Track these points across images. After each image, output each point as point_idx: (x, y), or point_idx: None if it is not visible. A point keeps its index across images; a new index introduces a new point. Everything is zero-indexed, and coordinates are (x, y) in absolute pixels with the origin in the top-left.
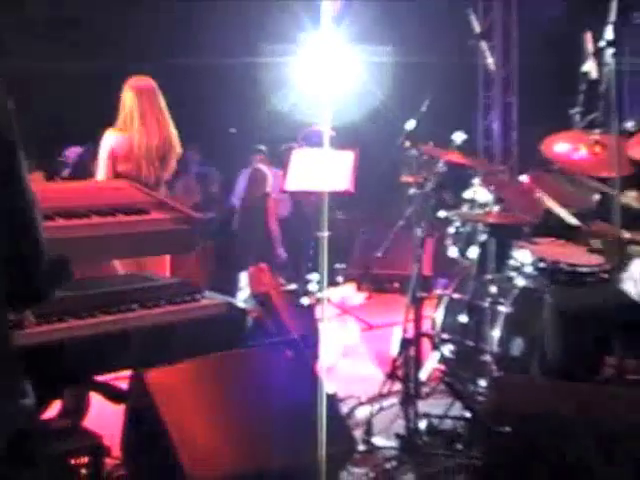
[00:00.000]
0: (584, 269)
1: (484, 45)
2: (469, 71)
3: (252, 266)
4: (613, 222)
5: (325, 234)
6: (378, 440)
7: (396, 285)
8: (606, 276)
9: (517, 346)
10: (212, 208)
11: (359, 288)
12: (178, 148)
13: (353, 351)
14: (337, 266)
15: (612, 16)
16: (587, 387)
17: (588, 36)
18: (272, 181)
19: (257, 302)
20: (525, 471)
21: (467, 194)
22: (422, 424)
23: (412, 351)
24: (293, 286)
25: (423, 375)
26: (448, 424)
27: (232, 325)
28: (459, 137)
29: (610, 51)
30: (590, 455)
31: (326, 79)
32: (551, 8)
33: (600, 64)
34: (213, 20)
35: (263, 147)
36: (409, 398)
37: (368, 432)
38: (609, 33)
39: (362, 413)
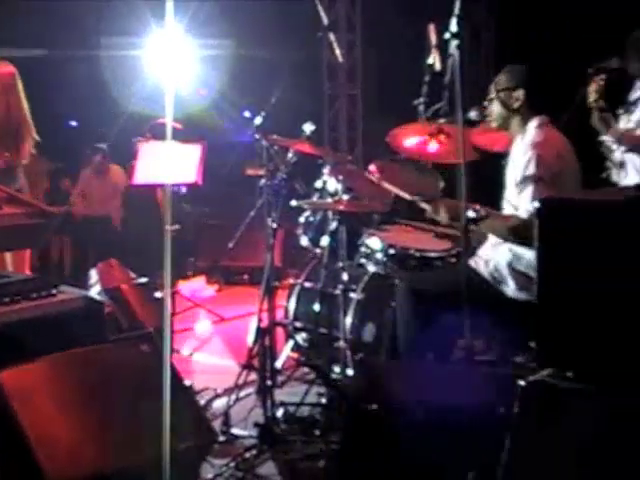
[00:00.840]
0: (432, 254)
1: (332, 37)
2: (315, 63)
3: (101, 262)
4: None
5: (172, 227)
6: (237, 430)
7: (246, 277)
8: (454, 260)
9: (369, 331)
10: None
11: (209, 281)
12: (33, 133)
13: (207, 344)
14: (187, 259)
15: (456, 9)
16: (441, 369)
17: (432, 28)
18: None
19: (108, 297)
20: (385, 454)
21: (317, 184)
22: (279, 412)
23: (267, 341)
24: (144, 279)
25: (278, 364)
26: (305, 411)
27: (90, 319)
28: (308, 128)
29: (454, 43)
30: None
31: (170, 73)
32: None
33: (445, 55)
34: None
35: (103, 145)
36: (265, 387)
37: (226, 423)
38: (453, 25)
39: (219, 404)
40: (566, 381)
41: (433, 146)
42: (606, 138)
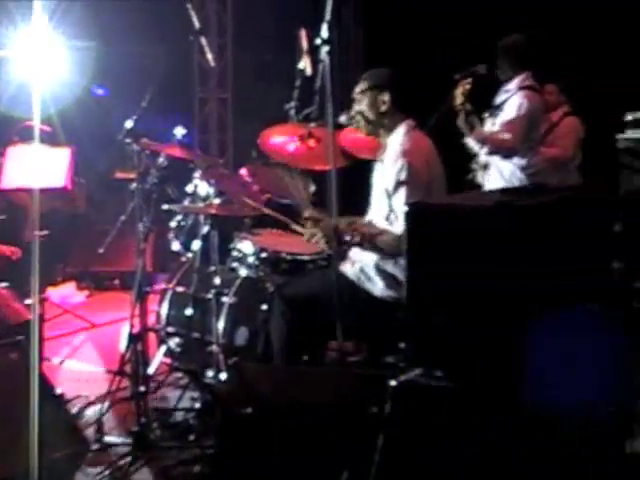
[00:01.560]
0: (304, 257)
1: (203, 41)
2: (186, 66)
3: None
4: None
5: (40, 233)
6: (111, 438)
7: (117, 282)
8: (325, 263)
9: (242, 335)
10: None
11: (79, 287)
12: None
13: (78, 351)
14: (55, 265)
15: (327, 15)
16: (314, 371)
17: (303, 33)
18: None
19: None
20: (259, 456)
21: (189, 188)
22: (153, 418)
23: (139, 346)
24: (4, 284)
25: (151, 370)
26: (179, 416)
27: None
28: (179, 132)
29: (325, 48)
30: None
31: (37, 74)
32: (268, 4)
33: (315, 61)
34: None
35: None
36: (138, 394)
37: (100, 431)
38: (324, 31)
39: (92, 412)
40: (435, 380)
41: (299, 147)
42: (469, 140)
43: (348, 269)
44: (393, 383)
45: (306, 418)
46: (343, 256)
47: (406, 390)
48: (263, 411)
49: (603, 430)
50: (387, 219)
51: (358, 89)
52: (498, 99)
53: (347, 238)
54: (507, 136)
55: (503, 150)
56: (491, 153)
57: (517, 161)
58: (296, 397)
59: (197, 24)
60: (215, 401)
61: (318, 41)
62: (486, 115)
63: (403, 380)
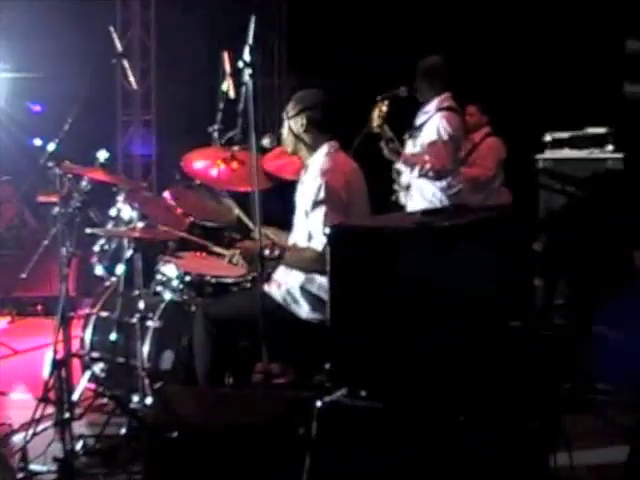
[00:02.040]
0: (228, 280)
1: (126, 63)
2: (109, 89)
3: None
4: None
5: None
6: (35, 466)
7: (39, 308)
8: (249, 285)
9: (167, 359)
10: None
11: (0, 313)
12: None
13: (0, 378)
14: None
15: (250, 39)
16: (240, 394)
17: (225, 56)
18: None
19: None
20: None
21: (112, 211)
22: (79, 445)
23: (63, 372)
24: None
25: (75, 396)
26: (105, 443)
27: None
28: (102, 155)
29: (248, 72)
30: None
31: None
32: (191, 27)
33: (238, 84)
34: None
35: None
36: (63, 420)
37: (24, 459)
38: (247, 55)
39: (16, 440)
40: (360, 400)
41: (222, 170)
42: (399, 166)
43: (274, 291)
44: (319, 404)
45: (233, 440)
46: (268, 277)
47: (331, 411)
48: (190, 435)
49: (527, 445)
50: (308, 240)
51: (286, 109)
52: (418, 120)
53: (267, 253)
54: (435, 159)
55: (433, 173)
56: (421, 176)
57: (438, 182)
58: (223, 420)
59: (119, 47)
60: (141, 426)
61: (240, 64)
62: (406, 137)
63: (328, 401)
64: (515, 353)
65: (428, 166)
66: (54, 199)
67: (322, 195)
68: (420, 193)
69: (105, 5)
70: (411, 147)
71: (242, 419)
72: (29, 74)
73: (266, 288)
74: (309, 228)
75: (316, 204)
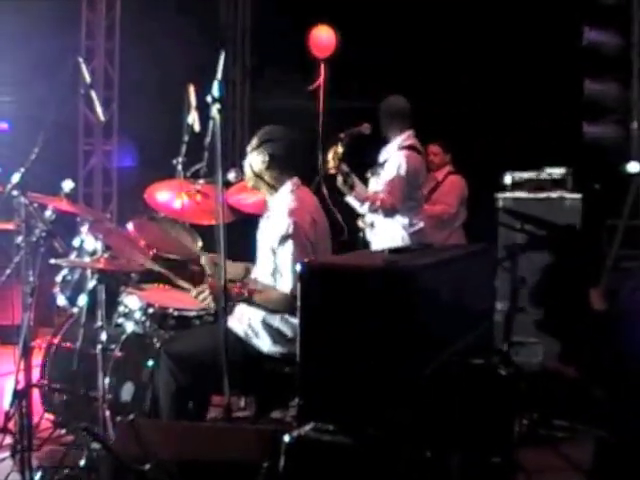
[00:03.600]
0: (191, 313)
1: (94, 95)
2: (72, 118)
3: None
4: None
5: None
6: None
7: None
8: (212, 318)
9: (128, 391)
10: None
11: None
12: None
13: None
14: None
15: (219, 74)
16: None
17: (191, 89)
18: None
19: None
20: None
21: (76, 242)
22: (37, 476)
23: (24, 403)
24: None
25: (34, 426)
26: (64, 474)
27: None
28: (67, 185)
29: (216, 106)
30: None
31: None
32: (155, 58)
33: (203, 117)
34: None
35: None
36: (22, 451)
37: None
38: (215, 90)
39: None
40: (328, 434)
41: (186, 203)
42: (350, 199)
43: (235, 324)
44: (286, 438)
45: (202, 475)
46: (230, 311)
47: (299, 445)
48: (158, 468)
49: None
50: (272, 275)
51: (250, 143)
52: (380, 158)
53: (235, 292)
54: (386, 195)
55: (382, 209)
56: (371, 212)
57: (400, 220)
58: (184, 454)
59: (88, 78)
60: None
61: (209, 99)
62: (368, 174)
63: (296, 435)
64: (476, 390)
65: (378, 203)
66: (10, 226)
67: (290, 233)
68: (384, 231)
69: (69, 33)
70: (374, 184)
71: (211, 453)
72: None
73: (228, 322)
74: (276, 265)
75: (284, 242)
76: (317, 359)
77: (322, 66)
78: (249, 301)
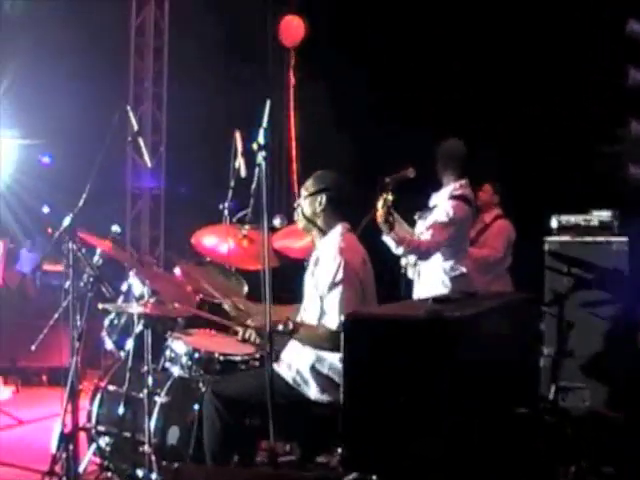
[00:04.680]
0: (236, 357)
1: (141, 142)
2: (121, 160)
3: None
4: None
5: None
6: None
7: (44, 378)
8: (257, 364)
9: (173, 435)
10: None
11: (5, 382)
12: None
13: (5, 448)
14: None
15: (264, 121)
16: (246, 472)
17: (237, 136)
18: None
19: None
20: None
21: (123, 286)
22: None
23: (70, 446)
24: None
25: (80, 469)
26: None
27: None
28: (115, 229)
29: (262, 154)
30: None
31: None
32: (202, 105)
33: (250, 162)
34: None
35: None
36: None
37: None
38: (261, 137)
39: None
40: None
41: (232, 247)
42: (387, 239)
43: (283, 370)
44: None
45: None
46: (276, 356)
47: None
48: None
49: None
50: (319, 319)
51: (304, 186)
52: (431, 202)
53: (280, 328)
54: (425, 239)
55: (417, 252)
56: (405, 254)
57: (442, 263)
58: None
59: (136, 126)
60: None
61: (254, 146)
62: (416, 217)
63: None
64: (520, 439)
65: (414, 245)
66: (58, 268)
67: (341, 274)
68: (425, 272)
69: (117, 79)
70: (421, 227)
71: None
72: (36, 140)
73: (275, 367)
74: (324, 306)
75: (334, 283)
76: (361, 409)
77: None
78: (294, 334)
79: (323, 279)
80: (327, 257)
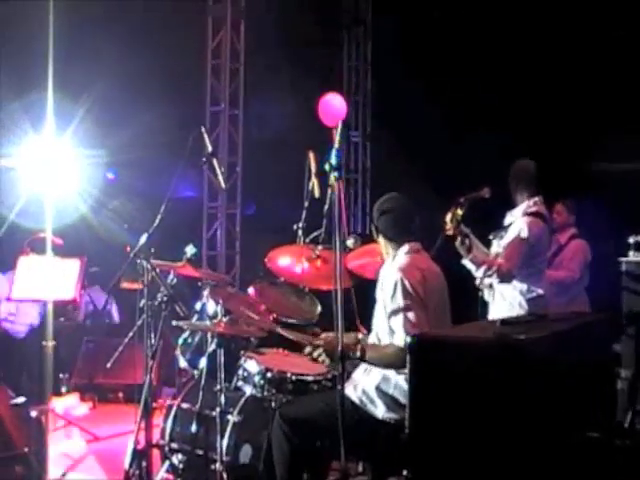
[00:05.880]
0: (309, 377)
1: (216, 163)
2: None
3: None
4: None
5: (50, 343)
6: None
7: (120, 395)
8: (329, 384)
9: (246, 454)
10: None
11: (83, 398)
12: None
13: (81, 464)
14: (61, 376)
15: (336, 143)
16: None
17: (311, 156)
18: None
19: None
20: None
21: (197, 305)
22: None
23: (144, 463)
24: (21, 399)
25: None
26: None
27: None
28: (190, 250)
29: (334, 175)
30: None
31: (49, 185)
32: (278, 123)
33: (324, 183)
34: None
35: None
36: None
37: None
38: (333, 158)
39: None
40: None
41: (308, 269)
42: (466, 262)
43: (350, 392)
44: None
45: None
46: (348, 375)
47: None
48: None
49: None
50: (391, 334)
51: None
52: (506, 221)
53: (350, 354)
54: (503, 261)
55: (498, 274)
56: (486, 276)
57: (519, 285)
58: None
59: (210, 147)
60: None
61: (327, 167)
62: (491, 237)
63: None
64: (593, 464)
65: (494, 268)
66: (136, 286)
67: (399, 292)
68: (501, 294)
69: (195, 101)
70: (496, 247)
71: None
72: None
73: (345, 389)
74: (390, 324)
75: (395, 302)
76: (426, 431)
77: None
78: (362, 358)
79: (386, 298)
80: (388, 276)
